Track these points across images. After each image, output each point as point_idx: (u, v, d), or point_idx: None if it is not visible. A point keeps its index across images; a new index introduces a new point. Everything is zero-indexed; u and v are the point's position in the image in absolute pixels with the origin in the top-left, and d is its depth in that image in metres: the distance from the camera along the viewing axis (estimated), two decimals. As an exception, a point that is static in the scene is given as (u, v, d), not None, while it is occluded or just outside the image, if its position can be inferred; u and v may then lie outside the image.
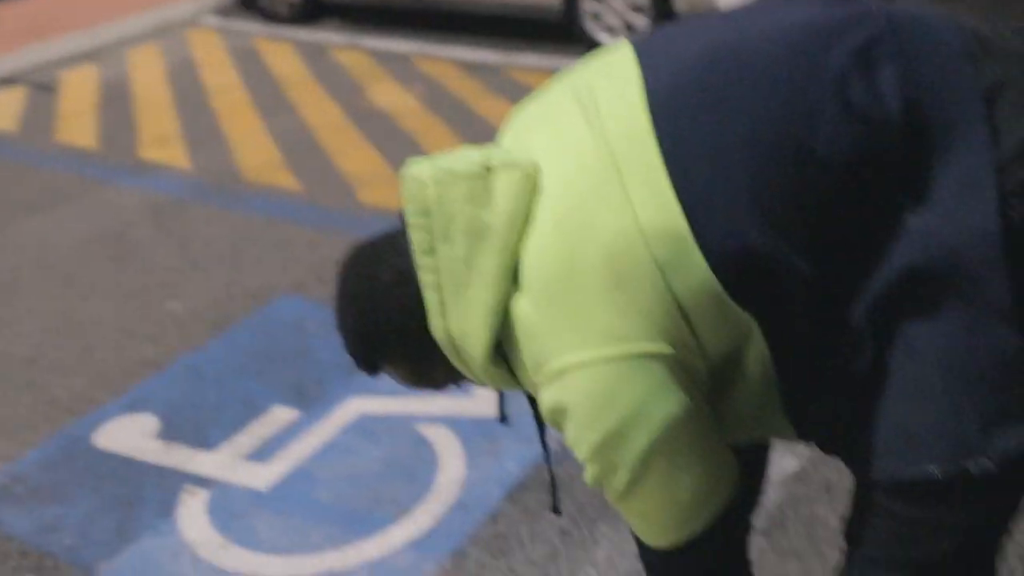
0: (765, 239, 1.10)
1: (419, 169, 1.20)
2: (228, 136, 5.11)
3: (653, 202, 1.11)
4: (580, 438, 1.18)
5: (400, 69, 5.94)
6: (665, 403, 1.15)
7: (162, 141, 5.13)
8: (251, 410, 2.85)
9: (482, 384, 1.29)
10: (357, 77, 5.87)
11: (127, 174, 4.76)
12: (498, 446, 2.60)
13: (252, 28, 7.12)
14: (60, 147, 5.22)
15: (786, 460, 2.39)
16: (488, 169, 1.18)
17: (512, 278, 1.17)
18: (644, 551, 1.40)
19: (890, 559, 1.23)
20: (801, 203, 1.10)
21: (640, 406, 1.14)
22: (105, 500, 2.55)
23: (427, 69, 5.91)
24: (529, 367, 1.19)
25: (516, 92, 5.29)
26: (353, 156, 4.71)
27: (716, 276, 1.12)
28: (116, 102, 5.82)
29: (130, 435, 2.80)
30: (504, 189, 1.16)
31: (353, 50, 6.41)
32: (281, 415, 2.82)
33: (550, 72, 5.52)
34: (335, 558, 2.30)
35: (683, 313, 1.13)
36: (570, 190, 1.15)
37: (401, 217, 1.26)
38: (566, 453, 2.44)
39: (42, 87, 6.27)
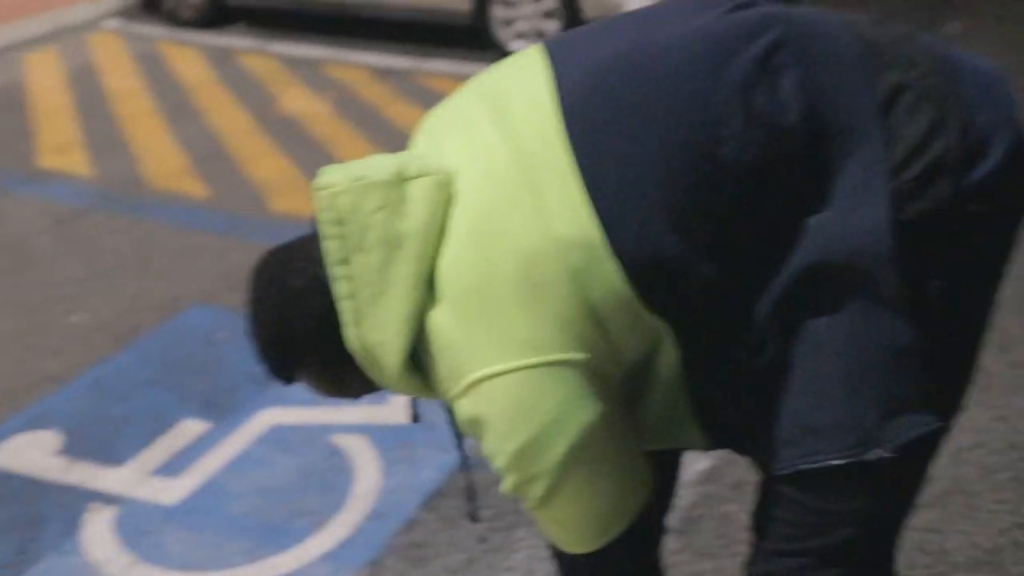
0: (675, 246, 1.13)
1: (332, 177, 1.18)
2: (132, 143, 4.98)
3: (567, 211, 1.12)
4: (498, 448, 1.18)
5: (310, 75, 5.88)
6: (582, 411, 1.16)
7: (62, 148, 4.97)
8: (160, 423, 2.78)
9: (397, 392, 1.28)
10: (266, 83, 5.78)
11: (25, 183, 4.60)
12: (414, 454, 2.59)
13: (156, 32, 6.95)
14: (-47, 155, 5.02)
15: (698, 461, 2.43)
16: (402, 177, 1.17)
17: (427, 287, 1.17)
18: (558, 556, 1.41)
19: (794, 548, 1.27)
20: (709, 210, 1.13)
21: (557, 415, 1.15)
22: (5, 521, 2.46)
23: (337, 75, 5.86)
24: (445, 378, 1.18)
25: (427, 98, 5.27)
26: (263, 163, 4.64)
27: (629, 283, 1.13)
28: (12, 108, 5.62)
29: (32, 453, 2.70)
30: (419, 198, 1.16)
31: (261, 55, 6.31)
32: (191, 428, 2.76)
33: (461, 78, 5.52)
34: (249, 572, 2.25)
35: (598, 320, 1.14)
36: (484, 198, 1.15)
37: (314, 224, 1.24)
38: (483, 460, 2.44)
39: (-67, 92, 6.02)
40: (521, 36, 5.97)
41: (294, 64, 6.09)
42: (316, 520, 2.39)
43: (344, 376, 1.29)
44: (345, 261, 1.17)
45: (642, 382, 1.25)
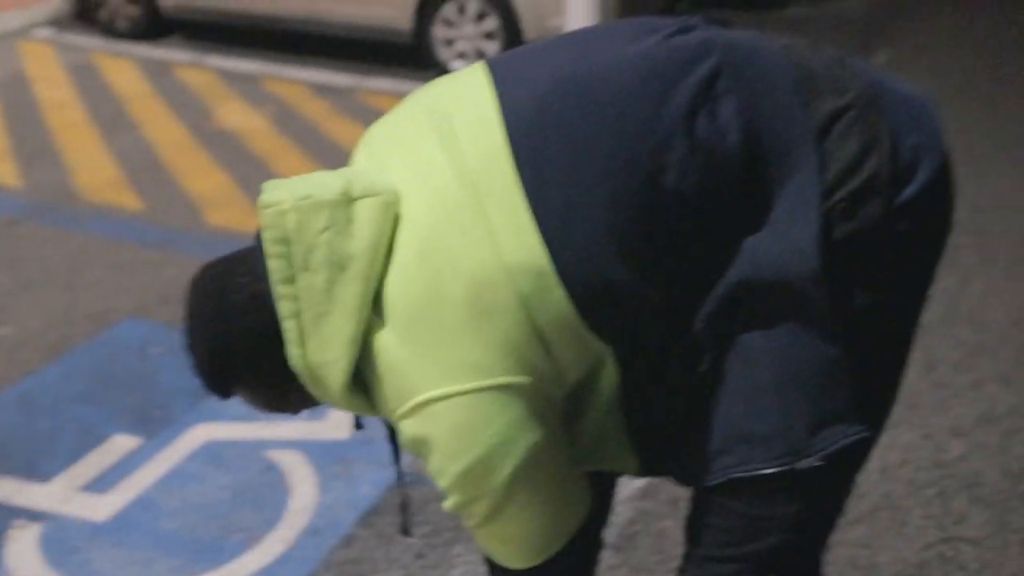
0: (621, 271, 1.14)
1: (278, 195, 1.17)
2: (64, 154, 4.88)
3: (515, 236, 1.12)
4: (443, 468, 1.18)
5: (248, 89, 5.83)
6: (528, 433, 1.17)
7: (-9, 158, 4.86)
8: (89, 439, 2.72)
9: (339, 408, 1.28)
10: (203, 96, 5.71)
11: (-49, 192, 4.48)
12: (351, 470, 2.57)
13: (90, 43, 6.82)
14: None
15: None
16: (349, 197, 1.16)
17: (372, 307, 1.16)
18: (496, 571, 1.42)
19: (727, 554, 1.30)
20: (653, 235, 1.14)
21: (504, 437, 1.16)
22: (-75, 538, 2.38)
23: (276, 90, 5.82)
24: (391, 398, 1.18)
25: (367, 115, 5.26)
26: (199, 176, 4.58)
27: (575, 308, 1.15)
28: (-61, 116, 5.48)
29: (-46, 468, 2.63)
30: (365, 218, 1.15)
31: (198, 69, 6.24)
32: (122, 443, 2.70)
33: (401, 96, 5.51)
34: (181, 590, 2.21)
35: (543, 343, 1.16)
36: (431, 220, 1.15)
37: (257, 239, 1.23)
38: (421, 476, 2.44)
39: None
40: (462, 56, 6.00)
41: (232, 78, 6.03)
42: (251, 536, 2.36)
43: (283, 392, 1.28)
44: (290, 280, 1.16)
45: (581, 401, 1.27)
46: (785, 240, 1.14)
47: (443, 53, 6.03)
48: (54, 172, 4.65)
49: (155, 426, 2.77)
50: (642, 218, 1.13)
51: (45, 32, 7.13)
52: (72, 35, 7.02)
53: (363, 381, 1.22)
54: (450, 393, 1.14)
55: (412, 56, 6.17)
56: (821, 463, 1.19)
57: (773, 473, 1.19)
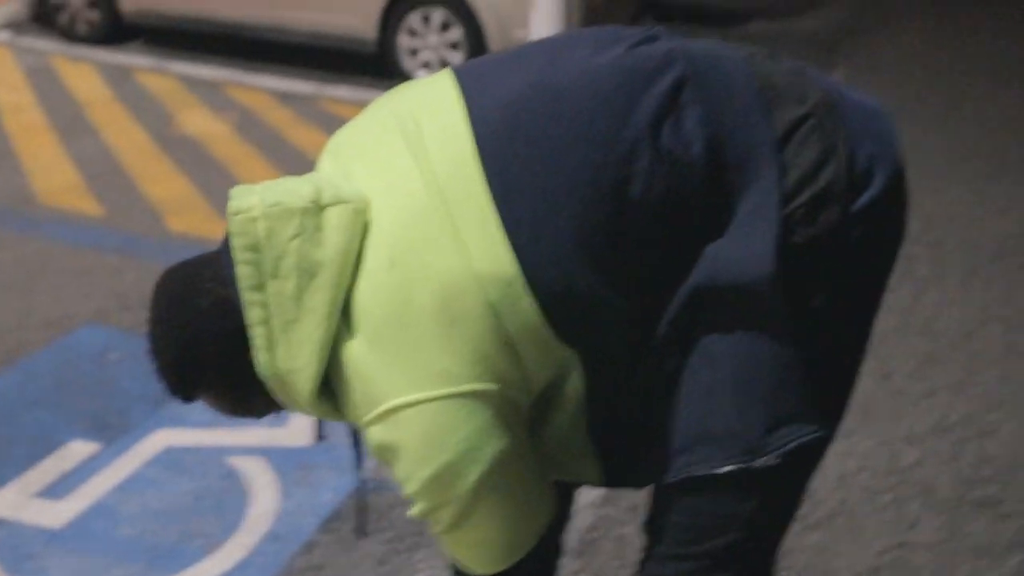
0: (588, 279, 1.16)
1: (247, 201, 1.17)
2: (22, 158, 4.82)
3: (485, 244, 1.13)
4: (410, 475, 1.19)
5: (210, 96, 5.79)
6: (495, 440, 1.18)
7: (-54, 161, 4.78)
8: (45, 444, 2.68)
9: (305, 414, 1.28)
10: (165, 102, 5.67)
11: (-95, 195, 4.41)
12: (313, 476, 2.57)
13: (49, 46, 6.74)
14: None
15: (596, 483, 2.47)
16: (318, 204, 1.16)
17: (341, 315, 1.17)
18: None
19: (683, 552, 1.32)
20: (620, 243, 1.16)
21: (471, 444, 1.17)
22: None
23: (239, 97, 5.79)
24: (359, 404, 1.18)
25: (330, 123, 5.25)
26: (161, 182, 4.55)
27: (543, 316, 1.16)
28: None
29: (-94, 474, 2.58)
30: (335, 225, 1.15)
31: (160, 74, 6.19)
32: (79, 449, 2.67)
33: (364, 104, 5.44)
34: (139, 596, 2.19)
35: (512, 351, 1.17)
36: (400, 227, 1.15)
37: (224, 244, 1.23)
38: (384, 482, 2.44)
39: None
40: (426, 66, 6.02)
41: (194, 84, 6.00)
42: (210, 542, 2.34)
43: (248, 396, 1.28)
44: (259, 287, 1.16)
45: (546, 408, 1.28)
46: (744, 246, 1.17)
47: (407, 63, 6.04)
48: (11, 177, 4.59)
49: (114, 432, 2.74)
50: (609, 226, 1.15)
51: (2, 35, 7.04)
52: (30, 38, 6.94)
53: (331, 388, 1.22)
54: (418, 400, 1.15)
55: (375, 64, 6.17)
56: (777, 462, 1.21)
57: (731, 471, 1.22)
